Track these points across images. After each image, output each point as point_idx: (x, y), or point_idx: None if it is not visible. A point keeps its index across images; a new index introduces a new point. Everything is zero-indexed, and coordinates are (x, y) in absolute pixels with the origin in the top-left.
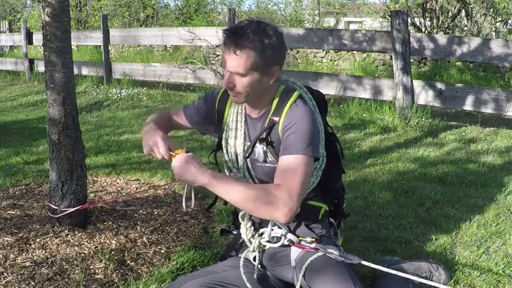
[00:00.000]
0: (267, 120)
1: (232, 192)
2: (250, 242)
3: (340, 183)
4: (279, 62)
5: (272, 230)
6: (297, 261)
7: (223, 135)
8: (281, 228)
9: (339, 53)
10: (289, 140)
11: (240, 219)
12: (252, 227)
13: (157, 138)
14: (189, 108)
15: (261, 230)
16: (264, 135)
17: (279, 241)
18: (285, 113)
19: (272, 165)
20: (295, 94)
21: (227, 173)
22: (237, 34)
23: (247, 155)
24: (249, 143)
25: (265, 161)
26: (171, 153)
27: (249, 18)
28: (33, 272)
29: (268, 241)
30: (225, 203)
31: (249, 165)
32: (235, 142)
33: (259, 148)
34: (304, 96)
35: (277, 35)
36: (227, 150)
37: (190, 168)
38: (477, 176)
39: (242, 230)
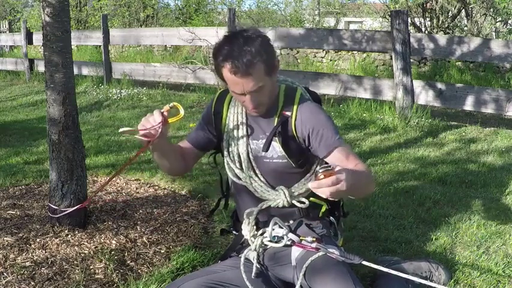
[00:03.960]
0: (276, 117)
1: (362, 182)
2: (252, 241)
3: None
4: (275, 53)
5: (273, 229)
6: (297, 260)
7: (224, 136)
8: (282, 228)
9: (339, 53)
10: (324, 137)
11: (244, 217)
12: (255, 226)
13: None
14: (191, 134)
15: (262, 230)
16: (278, 130)
17: (281, 241)
18: (296, 109)
19: (280, 161)
20: (299, 91)
21: (229, 174)
22: (240, 57)
23: (265, 149)
24: (255, 141)
25: (273, 157)
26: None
27: (226, 35)
28: (33, 272)
29: (270, 241)
30: (225, 206)
31: (253, 164)
32: (237, 142)
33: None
34: (304, 95)
35: (258, 32)
36: (229, 150)
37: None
38: (477, 176)
39: (245, 227)
